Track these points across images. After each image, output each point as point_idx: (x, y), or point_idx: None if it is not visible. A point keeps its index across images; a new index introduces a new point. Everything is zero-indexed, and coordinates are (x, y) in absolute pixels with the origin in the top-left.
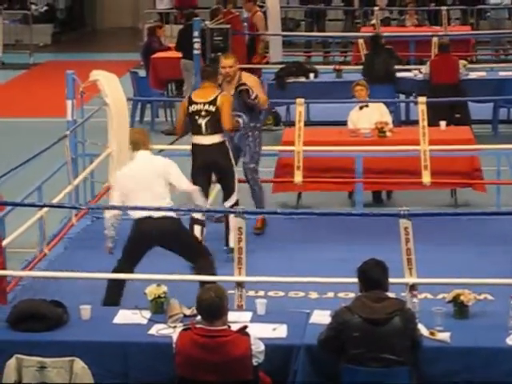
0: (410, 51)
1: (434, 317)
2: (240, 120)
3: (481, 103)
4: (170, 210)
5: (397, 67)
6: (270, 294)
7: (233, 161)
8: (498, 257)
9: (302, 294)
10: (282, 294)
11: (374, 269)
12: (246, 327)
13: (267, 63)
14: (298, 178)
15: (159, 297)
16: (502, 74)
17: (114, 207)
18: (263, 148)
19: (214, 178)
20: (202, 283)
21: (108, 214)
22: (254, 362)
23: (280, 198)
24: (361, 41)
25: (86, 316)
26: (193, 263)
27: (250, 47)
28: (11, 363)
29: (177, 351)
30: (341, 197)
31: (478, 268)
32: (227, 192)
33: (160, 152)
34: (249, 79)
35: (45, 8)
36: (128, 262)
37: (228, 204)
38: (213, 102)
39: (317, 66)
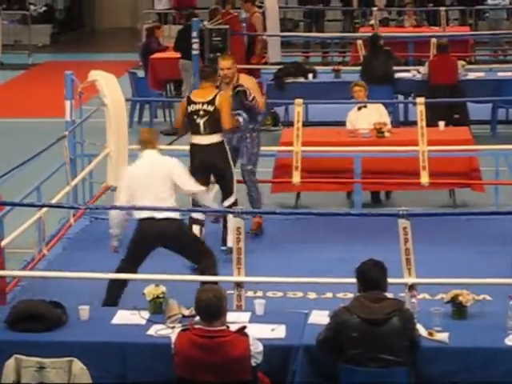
0: (409, 52)
1: (432, 317)
2: (240, 119)
3: (479, 104)
4: (168, 210)
5: (395, 68)
6: (269, 294)
7: (231, 161)
8: (497, 257)
9: (300, 294)
10: (280, 294)
11: (372, 269)
12: (244, 328)
13: (266, 63)
14: (297, 178)
15: (158, 297)
16: (501, 74)
17: (112, 207)
18: (262, 148)
19: (212, 178)
20: (203, 283)
21: (113, 212)
22: (253, 362)
23: (278, 199)
24: (359, 41)
25: (84, 316)
26: (196, 264)
27: (248, 48)
28: (10, 363)
29: (175, 352)
30: (339, 197)
31: (477, 268)
32: (226, 192)
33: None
34: (247, 81)
35: (43, 8)
36: (131, 262)
37: (227, 204)
38: (211, 102)
39: (315, 67)
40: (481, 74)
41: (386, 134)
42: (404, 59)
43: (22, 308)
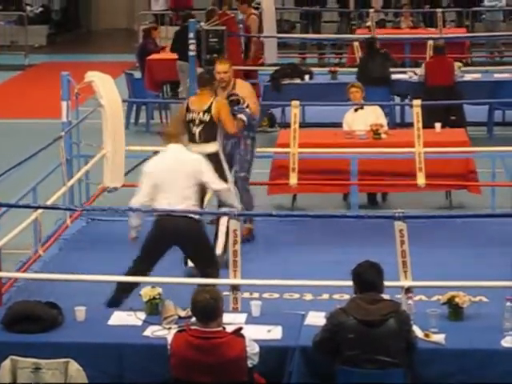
0: (405, 53)
1: (428, 319)
2: (243, 117)
3: (476, 105)
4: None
5: (392, 69)
6: (265, 295)
7: (226, 171)
8: (493, 259)
9: (296, 295)
10: (276, 295)
11: (368, 271)
12: (240, 329)
13: (262, 65)
14: (293, 180)
15: (154, 298)
16: (497, 76)
17: (110, 209)
18: (258, 150)
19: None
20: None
21: (132, 203)
22: (249, 363)
23: (275, 200)
24: (356, 43)
25: (80, 317)
26: (200, 269)
27: (245, 49)
28: (6, 364)
29: (172, 353)
30: (336, 199)
31: (473, 270)
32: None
33: (155, 153)
34: (243, 88)
35: (40, 9)
36: (146, 261)
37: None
38: (207, 111)
39: (312, 68)
40: (477, 76)
41: (383, 136)
42: (400, 61)
43: (18, 309)
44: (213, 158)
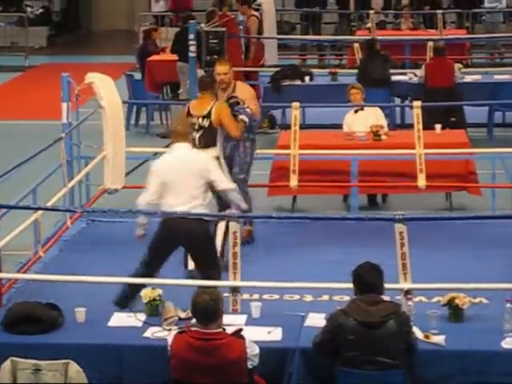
0: (406, 55)
1: (428, 320)
2: (245, 118)
3: (476, 107)
4: (165, 213)
5: (392, 70)
6: (265, 297)
7: (226, 175)
8: (493, 260)
9: (296, 297)
10: (276, 297)
11: (368, 272)
12: (240, 330)
13: (262, 66)
14: (294, 181)
15: (154, 299)
16: (497, 77)
17: (110, 210)
18: (259, 151)
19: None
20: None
21: (139, 201)
22: (249, 364)
23: (275, 202)
24: (356, 44)
25: (80, 319)
26: (202, 271)
27: (246, 50)
28: (6, 366)
29: (172, 354)
30: (336, 200)
31: (474, 272)
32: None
33: (155, 155)
34: (243, 90)
35: (40, 10)
36: (154, 261)
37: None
38: (207, 116)
39: (312, 69)
40: (477, 77)
41: (383, 137)
42: (401, 62)
43: (18, 310)
44: None
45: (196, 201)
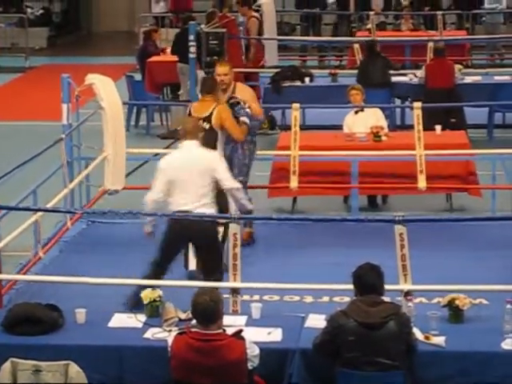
0: (406, 55)
1: (429, 321)
2: (246, 120)
3: (476, 108)
4: (166, 214)
5: (392, 71)
6: (265, 298)
7: None
8: (494, 262)
9: (297, 298)
10: (276, 298)
11: (369, 273)
12: (241, 331)
13: (263, 67)
14: (294, 183)
15: (154, 300)
16: (498, 78)
17: (111, 211)
18: (259, 152)
19: None
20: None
21: (147, 197)
22: (249, 365)
23: (275, 203)
24: (356, 45)
25: (81, 320)
26: (204, 273)
27: (246, 52)
28: (6, 367)
29: (172, 355)
30: (336, 201)
31: (474, 273)
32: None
33: (155, 156)
34: (244, 92)
35: (40, 11)
36: (165, 260)
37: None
38: (207, 119)
39: (312, 70)
40: (477, 78)
41: (383, 138)
42: (401, 63)
43: (19, 311)
44: None
45: (204, 199)
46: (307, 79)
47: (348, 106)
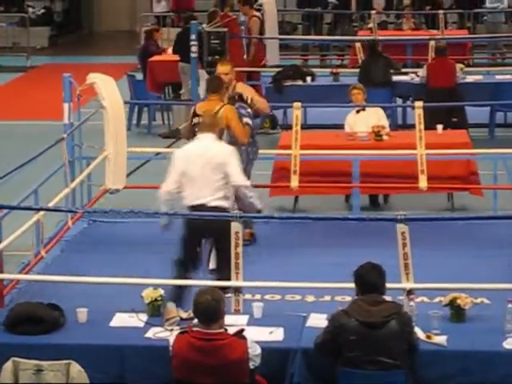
0: (407, 55)
1: (430, 320)
2: (249, 121)
3: (477, 107)
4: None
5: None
6: (267, 297)
7: None
8: (495, 261)
9: (298, 297)
10: (278, 297)
11: (370, 272)
12: (242, 330)
13: (264, 66)
14: (295, 182)
15: (156, 300)
16: (499, 77)
17: (112, 211)
18: (260, 151)
19: None
20: None
21: (160, 190)
22: (251, 365)
23: (277, 202)
24: (358, 44)
25: (82, 319)
26: (218, 268)
27: (248, 51)
28: (8, 366)
29: (173, 354)
30: (338, 200)
31: (475, 272)
32: None
33: (157, 155)
34: (244, 90)
35: (42, 11)
36: (188, 257)
37: None
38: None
39: (314, 70)
40: (479, 77)
41: (385, 138)
42: (402, 62)
43: (20, 310)
44: None
45: (219, 193)
46: (309, 78)
47: (349, 105)
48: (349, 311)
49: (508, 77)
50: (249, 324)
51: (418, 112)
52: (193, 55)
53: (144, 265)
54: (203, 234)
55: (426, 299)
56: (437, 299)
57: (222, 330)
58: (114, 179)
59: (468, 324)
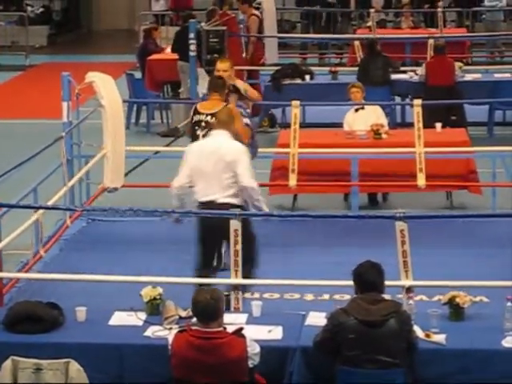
0: (406, 53)
1: (429, 319)
2: (248, 121)
3: (476, 105)
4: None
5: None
6: (266, 295)
7: None
8: (494, 259)
9: (297, 295)
10: (277, 295)
11: (369, 271)
12: (241, 329)
13: (263, 65)
14: (293, 181)
15: (155, 298)
16: (498, 76)
17: (111, 209)
18: (259, 150)
19: None
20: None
21: (173, 184)
22: (250, 363)
23: (276, 201)
24: (357, 43)
25: (81, 318)
26: (243, 267)
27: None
28: (7, 365)
29: (172, 353)
30: (336, 199)
31: (474, 270)
32: None
33: (156, 154)
34: (237, 81)
35: (41, 10)
36: (206, 253)
37: None
38: (215, 115)
39: (312, 68)
40: (478, 76)
41: (383, 136)
42: (401, 61)
43: (19, 309)
44: None
45: (229, 190)
46: (307, 77)
47: (348, 103)
48: (348, 310)
49: (506, 75)
50: (248, 322)
51: (416, 110)
52: (192, 54)
53: (143, 263)
54: (217, 233)
55: (424, 298)
56: (436, 298)
57: (221, 329)
58: (113, 178)
59: (467, 322)
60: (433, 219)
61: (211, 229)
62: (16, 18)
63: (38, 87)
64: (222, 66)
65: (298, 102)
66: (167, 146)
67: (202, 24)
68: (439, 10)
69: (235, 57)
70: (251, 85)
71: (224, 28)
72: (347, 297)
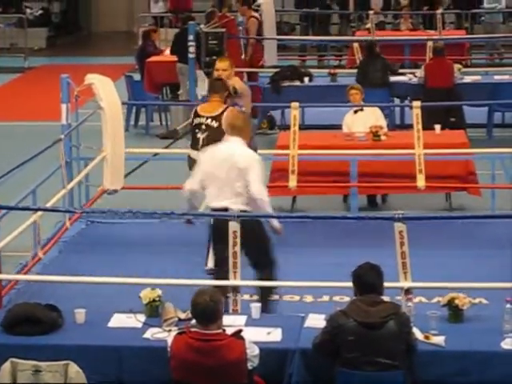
0: (405, 55)
1: (428, 320)
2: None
3: (475, 107)
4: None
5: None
6: None
7: None
8: (493, 260)
9: (296, 297)
10: (276, 297)
11: (368, 273)
12: (240, 331)
13: (262, 67)
14: (293, 182)
15: (154, 300)
16: (497, 77)
17: (110, 211)
18: (258, 152)
19: None
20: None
21: (185, 187)
22: (249, 365)
23: (275, 202)
24: (356, 45)
25: (80, 320)
26: (256, 269)
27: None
28: (6, 367)
29: (172, 355)
30: (336, 201)
31: (473, 272)
32: None
33: (155, 156)
34: (238, 83)
35: (40, 12)
36: (223, 261)
37: None
38: (216, 118)
39: (311, 70)
40: (477, 78)
41: (383, 138)
42: (400, 62)
43: (18, 311)
44: None
45: (240, 197)
46: (306, 79)
47: (347, 105)
48: (347, 311)
49: (506, 77)
50: (247, 324)
51: (415, 112)
52: (190, 56)
53: (142, 265)
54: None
55: (424, 299)
56: (435, 299)
57: (220, 331)
58: (112, 180)
59: (466, 324)
60: (432, 220)
61: (223, 233)
62: (15, 20)
63: (37, 89)
64: (222, 65)
65: (297, 104)
66: (166, 147)
67: (201, 26)
68: (438, 12)
69: (234, 59)
70: (250, 87)
71: (223, 30)
72: (347, 298)
